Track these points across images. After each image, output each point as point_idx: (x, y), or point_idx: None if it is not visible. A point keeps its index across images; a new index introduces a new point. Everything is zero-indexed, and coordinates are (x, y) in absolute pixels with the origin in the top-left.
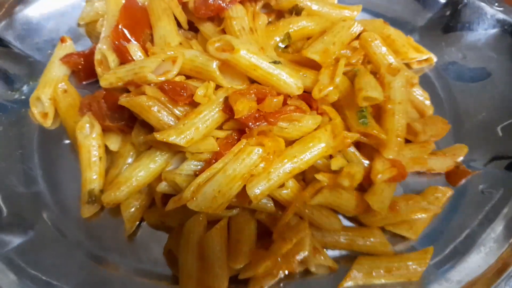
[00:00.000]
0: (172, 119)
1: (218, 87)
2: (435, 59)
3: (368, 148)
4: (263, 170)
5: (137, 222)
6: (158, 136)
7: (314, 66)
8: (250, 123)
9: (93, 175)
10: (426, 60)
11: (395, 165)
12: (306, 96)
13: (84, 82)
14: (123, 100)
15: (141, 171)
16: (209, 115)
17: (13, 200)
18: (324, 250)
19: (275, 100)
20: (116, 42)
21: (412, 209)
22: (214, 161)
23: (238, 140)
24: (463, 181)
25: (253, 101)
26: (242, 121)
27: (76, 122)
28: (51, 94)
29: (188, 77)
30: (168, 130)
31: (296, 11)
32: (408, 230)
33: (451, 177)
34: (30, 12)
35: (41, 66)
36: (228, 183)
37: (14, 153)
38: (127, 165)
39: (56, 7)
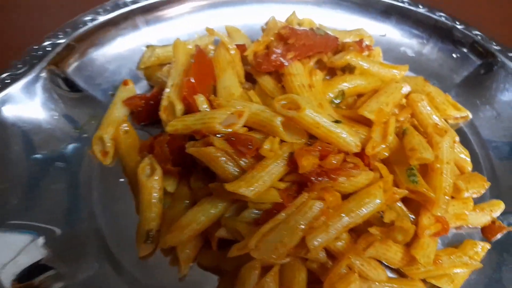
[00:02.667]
0: (237, 170)
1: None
2: (470, 116)
3: (411, 202)
4: (323, 223)
5: (191, 263)
6: (228, 187)
7: (364, 122)
8: (313, 178)
9: (152, 216)
10: (462, 116)
11: (439, 220)
12: (358, 151)
13: (142, 124)
14: (192, 149)
15: (203, 215)
16: (275, 169)
17: (72, 236)
18: None
19: (337, 157)
20: (185, 93)
21: (455, 264)
22: (275, 211)
23: (297, 191)
24: (498, 235)
25: (317, 157)
26: (305, 176)
27: (135, 162)
28: (112, 134)
29: (249, 128)
30: (238, 182)
31: (349, 69)
32: (449, 284)
33: (487, 231)
34: (96, 55)
35: (103, 106)
36: (290, 234)
37: (75, 189)
38: (184, 208)
39: (119, 50)
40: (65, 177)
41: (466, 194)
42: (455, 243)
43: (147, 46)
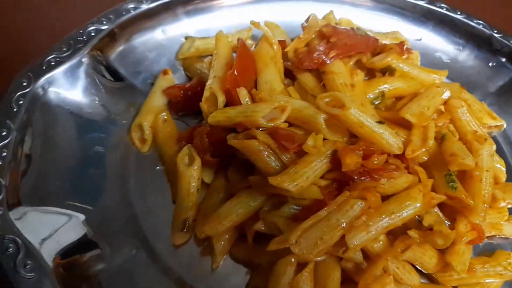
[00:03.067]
0: (279, 164)
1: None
2: (505, 125)
3: (446, 208)
4: (363, 222)
5: (225, 255)
6: (272, 180)
7: (403, 125)
8: (355, 177)
9: (189, 205)
10: (497, 125)
11: (475, 228)
12: (400, 153)
13: (179, 113)
14: (234, 141)
15: (241, 207)
16: (317, 166)
17: (110, 221)
18: None
19: (380, 158)
20: (228, 86)
21: (488, 273)
22: (315, 207)
23: (337, 189)
24: None
25: (360, 157)
26: (347, 174)
27: (172, 151)
28: (151, 122)
29: (290, 124)
30: (282, 176)
31: (390, 71)
32: None
33: None
34: (137, 43)
35: (142, 94)
36: (330, 231)
37: (113, 176)
38: (220, 200)
39: (159, 39)
40: (103, 162)
41: (502, 204)
42: (486, 252)
43: (186, 37)
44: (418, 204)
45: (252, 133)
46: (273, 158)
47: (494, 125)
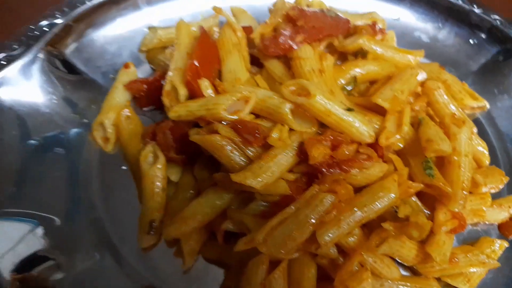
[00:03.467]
0: (244, 159)
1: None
2: (488, 106)
3: (426, 196)
4: (334, 217)
5: (196, 256)
6: (234, 177)
7: (377, 111)
8: (324, 169)
9: (155, 206)
10: (479, 106)
11: (456, 216)
12: (372, 142)
13: (144, 109)
14: (196, 136)
15: (207, 207)
16: (283, 159)
17: (71, 226)
18: None
19: (349, 148)
20: (189, 77)
21: (471, 262)
22: (283, 203)
23: (307, 183)
24: None
25: (328, 147)
26: (315, 167)
27: (137, 149)
28: (114, 119)
29: (256, 115)
30: (245, 172)
31: (362, 54)
32: (465, 283)
33: (504, 228)
34: (95, 36)
35: (103, 90)
36: (300, 228)
37: (74, 177)
38: (188, 199)
39: (119, 31)
40: (64, 164)
41: (484, 189)
42: (471, 240)
43: (149, 28)
44: (393, 195)
45: (214, 127)
46: (237, 153)
47: (476, 106)
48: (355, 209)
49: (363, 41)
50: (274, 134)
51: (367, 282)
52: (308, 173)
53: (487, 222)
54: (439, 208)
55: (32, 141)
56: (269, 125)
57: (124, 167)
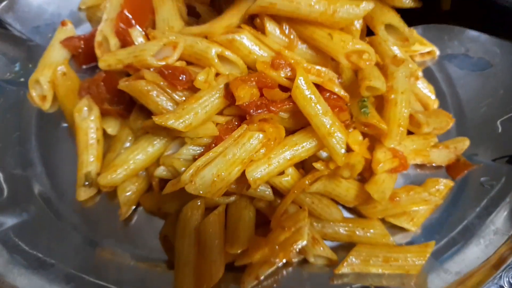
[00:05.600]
0: (171, 104)
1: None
2: (437, 52)
3: (371, 138)
4: (263, 155)
5: (133, 207)
6: (156, 119)
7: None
8: (252, 110)
9: (90, 158)
10: (428, 53)
11: (396, 155)
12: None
13: (84, 66)
14: (122, 84)
15: (138, 154)
16: (209, 101)
17: (10, 181)
18: (324, 241)
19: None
20: (120, 27)
21: (413, 200)
22: (214, 146)
23: (238, 126)
24: (464, 173)
25: (255, 88)
26: (243, 108)
27: (74, 105)
28: (50, 77)
29: (189, 63)
30: (167, 114)
31: None
32: (409, 222)
33: (451, 169)
34: None
35: (42, 49)
36: (228, 167)
37: (11, 135)
38: (124, 150)
39: None
40: (0, 123)
41: (426, 129)
42: (419, 183)
43: None
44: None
45: (141, 73)
46: (164, 98)
47: (425, 51)
48: (286, 147)
49: None
50: (200, 77)
51: (303, 222)
52: (239, 116)
53: (434, 164)
54: (378, 147)
55: None
56: (198, 70)
57: (64, 125)
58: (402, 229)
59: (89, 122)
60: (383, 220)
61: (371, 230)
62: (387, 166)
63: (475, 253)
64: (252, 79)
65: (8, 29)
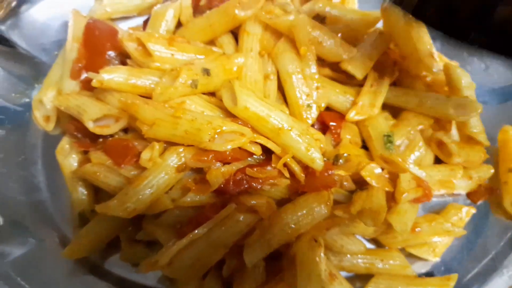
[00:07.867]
0: (122, 180)
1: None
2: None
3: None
4: (259, 236)
5: None
6: (97, 208)
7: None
8: (231, 189)
9: (81, 196)
10: None
11: (421, 185)
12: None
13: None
14: (76, 170)
15: (101, 229)
16: (154, 182)
17: (13, 208)
18: (341, 274)
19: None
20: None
21: (435, 231)
22: (199, 218)
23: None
24: (485, 198)
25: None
26: (221, 190)
27: None
28: (53, 96)
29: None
30: (111, 201)
31: (321, 20)
32: (430, 253)
33: (473, 194)
34: (36, 12)
35: (47, 68)
36: (210, 251)
37: (16, 159)
38: None
39: (63, 6)
40: (5, 146)
41: (457, 160)
42: (438, 209)
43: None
44: (324, 211)
45: (88, 156)
46: (112, 176)
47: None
48: (282, 226)
49: (319, 7)
50: (145, 155)
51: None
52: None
53: (456, 193)
54: (402, 176)
55: None
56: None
57: None
58: (421, 257)
59: (71, 161)
60: (403, 250)
61: (391, 261)
62: (411, 195)
63: (499, 285)
64: (208, 154)
65: (15, 47)
